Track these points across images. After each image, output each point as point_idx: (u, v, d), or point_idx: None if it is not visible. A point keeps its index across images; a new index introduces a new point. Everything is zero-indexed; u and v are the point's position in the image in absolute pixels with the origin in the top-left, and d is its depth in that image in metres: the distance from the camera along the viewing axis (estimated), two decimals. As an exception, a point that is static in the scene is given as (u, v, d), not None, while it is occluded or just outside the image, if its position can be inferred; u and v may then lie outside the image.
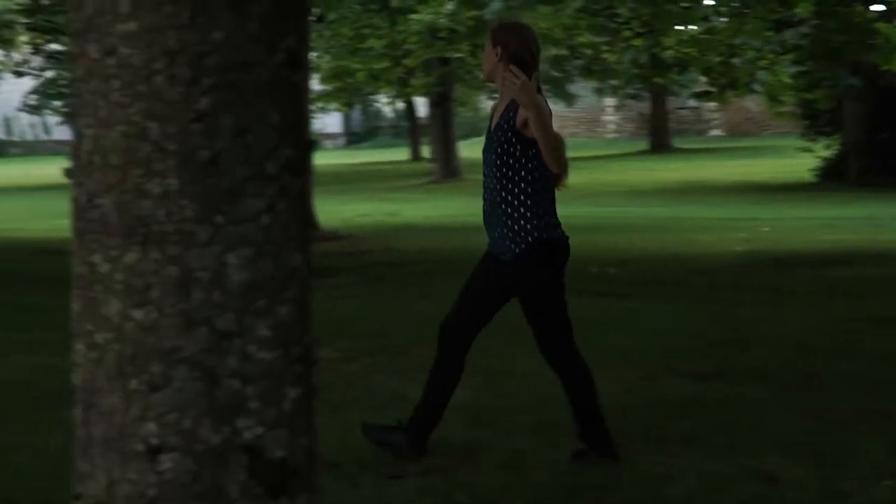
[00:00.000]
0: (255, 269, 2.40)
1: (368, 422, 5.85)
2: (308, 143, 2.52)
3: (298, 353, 2.46)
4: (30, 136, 64.74)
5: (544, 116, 5.15)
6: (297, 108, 2.50)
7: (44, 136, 64.27)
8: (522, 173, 5.41)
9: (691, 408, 6.52)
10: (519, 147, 5.38)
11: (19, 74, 31.16)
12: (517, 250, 5.45)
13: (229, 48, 2.38)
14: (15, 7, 28.73)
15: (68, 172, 2.51)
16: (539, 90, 5.33)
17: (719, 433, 6.00)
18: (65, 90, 43.11)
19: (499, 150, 5.40)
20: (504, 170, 5.41)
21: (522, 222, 5.44)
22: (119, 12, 2.38)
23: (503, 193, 5.42)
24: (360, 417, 6.06)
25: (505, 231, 5.46)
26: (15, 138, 65.14)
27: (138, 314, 2.38)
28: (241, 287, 2.40)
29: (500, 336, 8.76)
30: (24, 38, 31.76)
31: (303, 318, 2.48)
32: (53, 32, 26.43)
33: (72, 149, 2.50)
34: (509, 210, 5.43)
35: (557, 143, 5.23)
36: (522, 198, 5.42)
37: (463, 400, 6.66)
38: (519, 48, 5.38)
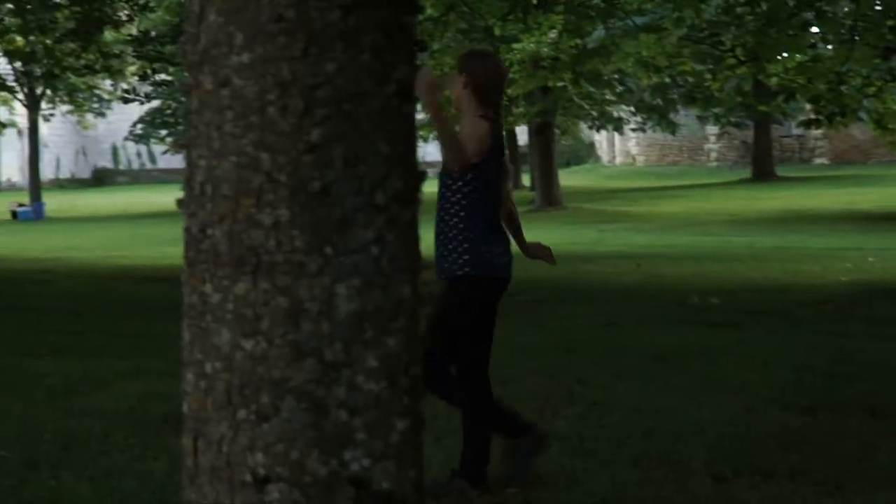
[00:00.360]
0: (363, 299, 2.40)
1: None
2: (418, 174, 2.52)
3: (406, 384, 2.45)
4: (135, 165, 65.90)
5: (443, 120, 5.17)
6: (407, 139, 2.50)
7: (149, 165, 65.39)
8: (455, 201, 5.44)
9: (798, 441, 6.40)
10: (451, 177, 5.43)
11: (126, 100, 31.73)
12: (449, 277, 5.50)
13: (341, 79, 2.38)
14: (125, 38, 29.33)
15: (181, 203, 2.53)
16: (497, 118, 5.42)
17: (827, 467, 5.88)
18: (170, 119, 43.87)
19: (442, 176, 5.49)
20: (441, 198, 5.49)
21: (455, 254, 5.47)
22: (233, 44, 2.40)
23: (441, 220, 5.48)
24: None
25: (444, 253, 5.52)
26: (121, 167, 66.31)
27: (248, 344, 2.39)
28: (350, 318, 2.39)
29: (601, 366, 8.72)
30: (132, 68, 32.40)
31: (411, 350, 2.47)
32: (161, 62, 26.90)
33: (185, 179, 2.52)
34: (443, 238, 5.50)
35: (454, 144, 5.19)
36: (457, 229, 5.45)
37: (564, 430, 6.61)
38: (485, 77, 5.39)
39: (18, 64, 39.13)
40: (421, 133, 33.05)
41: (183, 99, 40.71)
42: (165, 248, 24.58)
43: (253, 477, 2.37)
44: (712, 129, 49.45)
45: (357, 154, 2.41)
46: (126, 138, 50.98)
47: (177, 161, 58.29)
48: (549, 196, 33.60)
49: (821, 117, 18.04)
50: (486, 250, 5.50)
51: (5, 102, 45.35)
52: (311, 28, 2.38)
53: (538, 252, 5.94)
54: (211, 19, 2.44)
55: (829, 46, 18.65)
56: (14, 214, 40.44)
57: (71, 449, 6.29)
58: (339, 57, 2.39)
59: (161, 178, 63.91)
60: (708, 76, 23.88)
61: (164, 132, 45.88)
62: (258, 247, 2.39)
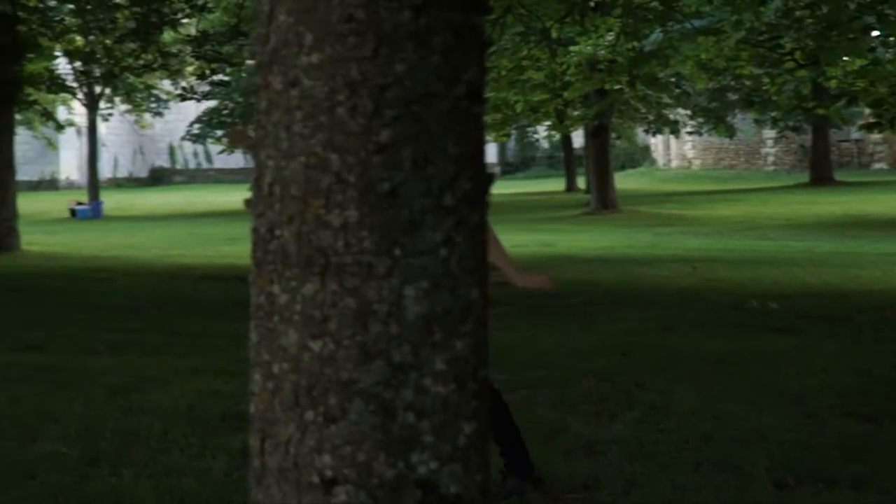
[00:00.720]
0: (432, 302, 2.38)
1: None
2: (486, 176, 2.50)
3: (474, 387, 2.43)
4: (192, 165, 66.34)
5: None
6: (476, 141, 2.48)
7: (205, 165, 65.79)
8: None
9: (860, 449, 6.33)
10: None
11: (183, 98, 31.94)
12: None
13: (411, 80, 2.37)
14: (184, 38, 29.51)
15: (249, 203, 2.52)
16: None
17: (892, 476, 5.81)
18: (226, 119, 44.10)
19: None
20: None
21: None
22: (303, 45, 2.39)
23: None
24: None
25: None
26: (178, 166, 66.77)
27: (316, 345, 2.38)
28: (419, 320, 2.38)
29: (658, 370, 8.67)
30: (190, 67, 32.60)
31: (478, 353, 2.45)
32: (219, 62, 27.05)
33: (253, 180, 2.52)
34: None
35: None
36: None
37: (622, 434, 6.58)
38: None
39: (78, 64, 39.51)
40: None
41: (240, 99, 40.94)
42: (222, 247, 24.73)
43: (320, 478, 2.36)
44: (769, 133, 49.12)
45: (426, 155, 2.39)
46: (183, 138, 51.29)
47: (233, 161, 58.69)
48: (605, 199, 33.48)
49: (882, 121, 17.86)
50: None
51: (64, 102, 45.78)
52: (382, 28, 2.37)
53: (532, 281, 5.90)
54: (280, 19, 2.44)
55: (891, 50, 18.46)
56: (73, 213, 40.86)
57: (130, 446, 6.33)
58: (408, 58, 2.38)
59: (217, 177, 64.32)
60: (766, 80, 23.74)
61: (220, 132, 46.14)
62: (327, 248, 2.38)
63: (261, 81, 2.49)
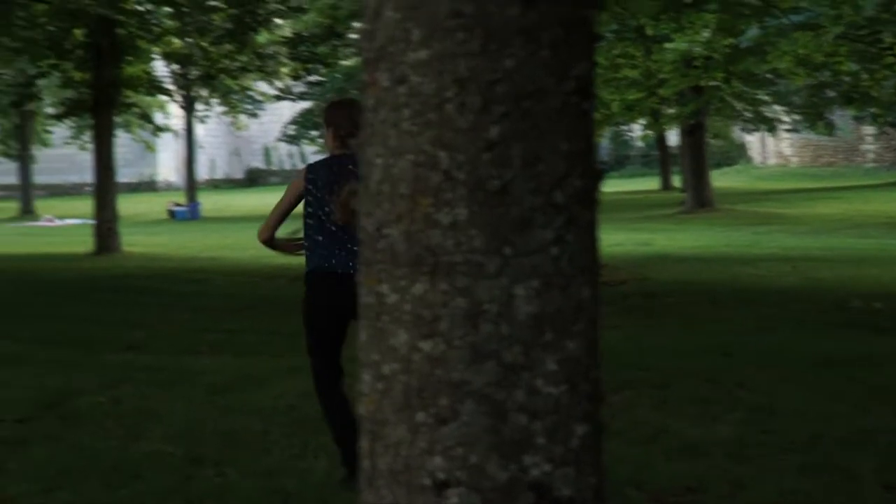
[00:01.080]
0: (543, 301, 2.34)
1: None
2: (597, 173, 2.45)
3: (586, 389, 2.39)
4: (287, 165, 66.77)
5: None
6: (586, 137, 2.44)
7: (300, 165, 66.17)
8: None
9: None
10: None
11: (279, 98, 32.15)
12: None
13: (520, 76, 2.33)
14: (279, 39, 29.72)
15: (357, 202, 2.50)
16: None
17: None
18: (321, 120, 44.37)
19: None
20: None
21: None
22: (410, 40, 2.36)
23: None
24: (623, 451, 5.95)
25: None
26: (273, 167, 67.29)
27: (426, 346, 2.35)
28: (529, 320, 2.34)
29: (761, 370, 8.53)
30: (285, 69, 32.81)
31: (591, 354, 2.41)
32: (314, 62, 27.18)
33: (362, 178, 2.49)
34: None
35: None
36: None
37: (726, 435, 6.48)
38: (350, 126, 5.94)
39: (176, 66, 39.95)
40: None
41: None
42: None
43: (432, 481, 2.33)
44: (869, 130, 48.31)
45: (536, 152, 2.35)
46: (278, 139, 51.67)
47: (326, 162, 58.98)
48: (701, 197, 33.14)
49: None
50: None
51: (161, 107, 46.32)
52: (490, 23, 2.33)
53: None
54: (388, 15, 2.41)
55: None
56: (171, 214, 41.38)
57: (232, 446, 6.36)
58: (517, 53, 2.34)
59: (311, 178, 64.65)
60: (865, 75, 23.35)
61: (314, 132, 46.39)
62: (436, 247, 2.35)
63: (367, 79, 2.47)
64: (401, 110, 2.38)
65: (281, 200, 6.32)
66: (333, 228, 5.98)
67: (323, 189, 6.00)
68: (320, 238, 6.02)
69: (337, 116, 6.10)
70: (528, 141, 2.34)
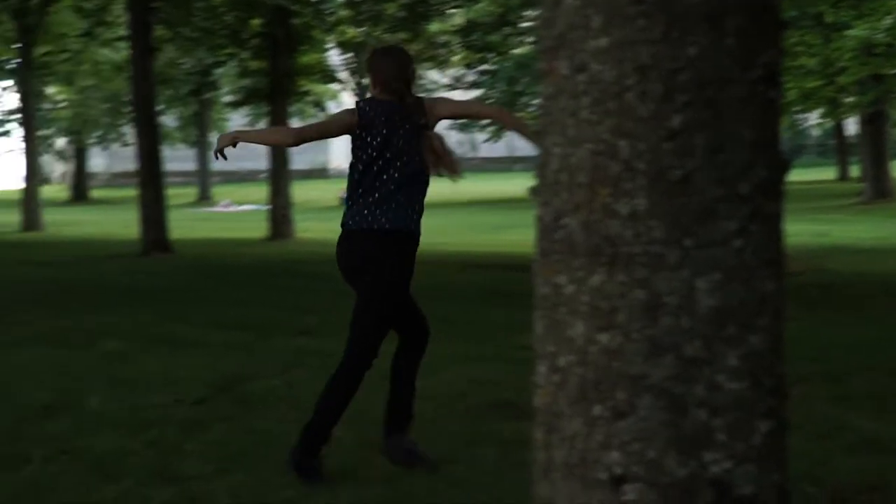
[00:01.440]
0: (725, 294, 2.29)
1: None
2: (783, 163, 2.38)
3: (770, 384, 2.32)
4: (457, 154, 67.16)
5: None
6: (772, 127, 2.37)
7: (470, 154, 66.44)
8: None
9: None
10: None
11: (452, 88, 32.26)
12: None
13: (704, 63, 2.27)
14: (451, 28, 29.84)
15: (534, 191, 2.47)
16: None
17: None
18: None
19: None
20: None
21: None
22: (590, 28, 2.32)
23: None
24: (800, 446, 5.80)
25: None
26: (443, 155, 67.67)
27: (603, 338, 2.31)
28: (711, 313, 2.28)
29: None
30: (456, 57, 32.96)
31: (775, 349, 2.34)
32: (486, 51, 27.24)
33: (538, 167, 2.47)
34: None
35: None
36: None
37: (867, 427, 6.28)
38: (388, 73, 5.78)
39: (349, 55, 40.48)
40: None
41: (505, 88, 41.15)
42: (487, 235, 24.94)
43: (608, 475, 2.29)
44: None
45: (719, 142, 2.29)
46: (449, 127, 51.84)
47: (497, 149, 59.10)
48: (881, 188, 32.30)
49: None
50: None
51: (333, 96, 46.93)
52: (673, 10, 2.28)
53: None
54: (567, 3, 2.37)
55: None
56: (342, 200, 41.93)
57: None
58: (701, 40, 2.28)
59: (481, 166, 64.91)
60: None
61: (485, 121, 46.42)
62: (615, 237, 2.31)
63: (546, 66, 2.44)
64: (580, 98, 2.35)
65: (324, 124, 6.04)
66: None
67: (389, 135, 5.74)
68: (394, 188, 5.76)
69: (383, 64, 5.86)
70: (712, 130, 2.28)
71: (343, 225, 5.85)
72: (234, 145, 5.67)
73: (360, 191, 5.76)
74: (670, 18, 2.28)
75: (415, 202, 5.80)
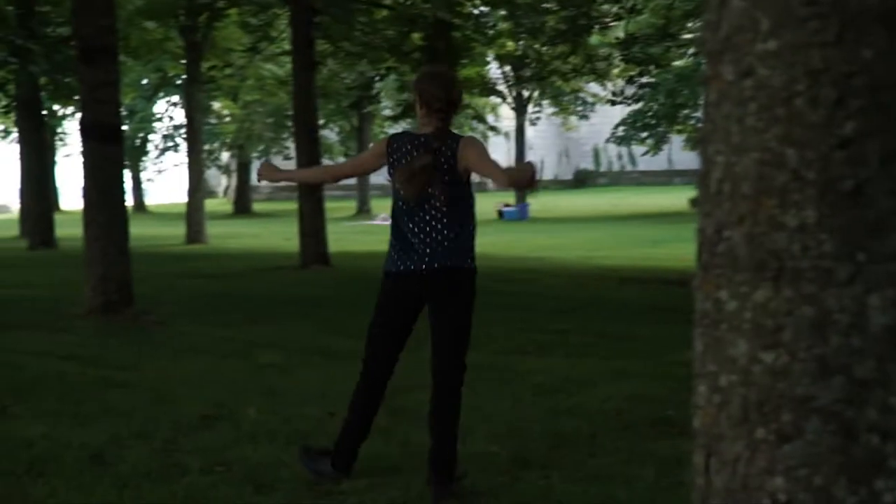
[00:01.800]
0: (899, 312, 2.15)
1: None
2: (963, 173, 2.23)
3: (952, 409, 2.17)
4: (615, 167, 66.72)
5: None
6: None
7: (629, 167, 66.03)
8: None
9: None
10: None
11: (613, 103, 32.06)
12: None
13: (880, 67, 2.14)
14: (612, 41, 29.66)
15: (695, 202, 2.36)
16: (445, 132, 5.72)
17: None
18: (650, 122, 44.09)
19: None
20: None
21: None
22: (758, 30, 2.21)
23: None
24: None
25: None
26: (601, 169, 67.34)
27: (768, 357, 2.19)
28: (884, 332, 2.15)
29: None
30: (615, 70, 32.76)
31: (955, 371, 2.19)
32: (647, 63, 27.00)
33: (699, 177, 2.36)
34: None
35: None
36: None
37: None
38: (431, 95, 5.71)
39: (508, 68, 40.53)
40: None
41: (664, 101, 40.78)
42: (646, 249, 24.67)
43: (772, 502, 2.17)
44: None
45: (893, 150, 2.16)
46: (607, 140, 51.63)
47: (656, 163, 58.58)
48: None
49: None
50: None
51: (493, 109, 47.06)
52: (847, 11, 2.16)
53: (519, 175, 5.57)
54: (734, 4, 2.26)
55: None
56: (500, 214, 42.00)
57: (559, 448, 6.30)
58: (877, 43, 2.15)
59: (640, 179, 64.43)
60: None
61: (644, 133, 46.10)
62: (781, 251, 2.19)
63: (710, 71, 2.33)
64: (746, 105, 2.24)
65: (360, 159, 6.16)
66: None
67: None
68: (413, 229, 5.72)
69: (433, 89, 5.76)
70: (887, 138, 2.15)
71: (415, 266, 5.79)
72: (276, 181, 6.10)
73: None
74: (845, 20, 2.16)
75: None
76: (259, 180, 6.05)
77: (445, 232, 5.71)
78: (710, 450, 2.29)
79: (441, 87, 5.77)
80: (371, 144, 6.23)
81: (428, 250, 5.67)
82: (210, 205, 38.15)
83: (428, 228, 5.68)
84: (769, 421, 2.18)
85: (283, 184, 19.51)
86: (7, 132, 53.60)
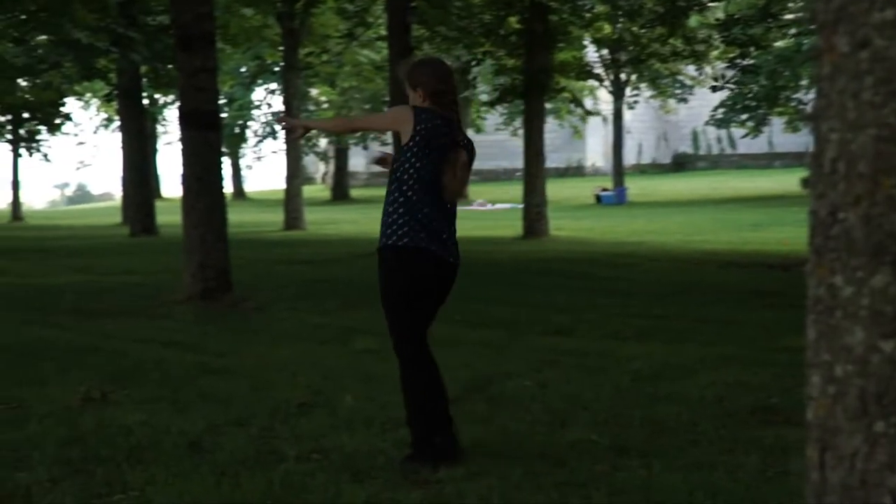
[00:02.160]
0: None
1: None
2: None
3: None
4: (715, 150, 65.92)
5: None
6: None
7: (728, 150, 65.19)
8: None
9: None
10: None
11: (715, 89, 31.63)
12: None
13: None
14: (712, 22, 29.24)
15: (807, 182, 2.24)
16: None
17: None
18: (751, 104, 43.47)
19: None
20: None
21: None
22: (875, 0, 2.08)
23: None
24: None
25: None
26: (701, 152, 66.60)
27: (887, 346, 2.07)
28: None
29: None
30: (714, 52, 32.29)
31: None
32: (747, 45, 26.57)
33: (812, 156, 2.23)
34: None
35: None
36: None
37: None
38: (436, 85, 5.75)
39: (605, 51, 40.18)
40: None
41: (764, 82, 40.16)
42: (746, 233, 24.30)
43: (892, 500, 2.05)
44: None
45: None
46: (706, 123, 51.02)
47: (757, 145, 57.81)
48: None
49: None
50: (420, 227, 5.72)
51: (590, 91, 46.74)
52: (971, -24, 2.02)
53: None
54: (848, -28, 2.14)
55: None
56: (598, 199, 41.74)
57: (659, 436, 6.17)
58: None
59: (740, 162, 63.57)
60: None
61: (744, 116, 45.49)
62: (900, 234, 2.06)
63: (823, 44, 2.20)
64: (862, 78, 2.11)
65: (379, 118, 6.16)
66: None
67: (437, 150, 5.70)
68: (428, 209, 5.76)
69: (425, 76, 5.79)
70: None
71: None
72: (304, 133, 6.38)
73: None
74: (966, -13, 2.02)
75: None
76: (282, 128, 6.13)
77: (454, 228, 5.94)
78: (824, 444, 2.17)
79: (442, 78, 5.83)
80: (387, 109, 6.33)
81: (453, 246, 5.87)
82: (308, 191, 38.36)
83: (452, 227, 5.89)
84: (890, 413, 2.06)
85: (377, 169, 19.56)
86: (110, 121, 54.43)
